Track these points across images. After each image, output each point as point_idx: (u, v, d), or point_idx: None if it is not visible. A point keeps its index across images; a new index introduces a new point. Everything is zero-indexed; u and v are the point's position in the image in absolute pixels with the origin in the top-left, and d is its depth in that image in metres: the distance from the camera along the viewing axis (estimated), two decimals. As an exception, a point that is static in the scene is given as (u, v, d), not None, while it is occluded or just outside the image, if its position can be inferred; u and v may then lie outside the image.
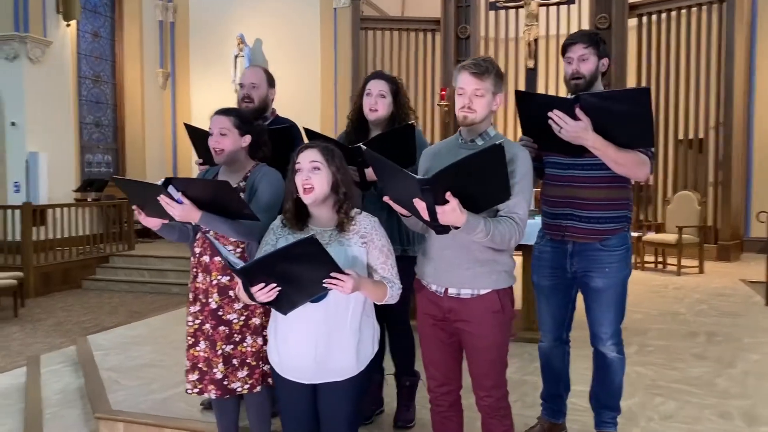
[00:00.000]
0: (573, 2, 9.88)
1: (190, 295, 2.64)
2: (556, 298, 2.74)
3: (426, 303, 2.36)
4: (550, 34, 10.12)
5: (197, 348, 2.58)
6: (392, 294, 2.21)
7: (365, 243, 2.22)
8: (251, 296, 2.01)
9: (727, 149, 8.86)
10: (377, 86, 2.91)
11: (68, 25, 10.41)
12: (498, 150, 1.92)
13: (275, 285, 1.98)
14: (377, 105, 2.89)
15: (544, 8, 10.05)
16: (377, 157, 2.07)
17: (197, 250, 2.61)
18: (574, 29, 9.85)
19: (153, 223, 2.46)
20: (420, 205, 2.00)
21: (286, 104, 12.08)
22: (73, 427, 3.34)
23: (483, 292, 2.25)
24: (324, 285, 2.01)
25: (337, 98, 11.24)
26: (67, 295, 8.69)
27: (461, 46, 10.37)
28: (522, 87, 10.26)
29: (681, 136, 9.43)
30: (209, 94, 12.17)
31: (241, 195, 2.57)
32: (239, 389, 2.57)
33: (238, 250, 2.56)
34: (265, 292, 1.98)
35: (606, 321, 2.66)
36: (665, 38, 9.57)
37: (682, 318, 5.33)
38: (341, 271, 2.00)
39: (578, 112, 2.34)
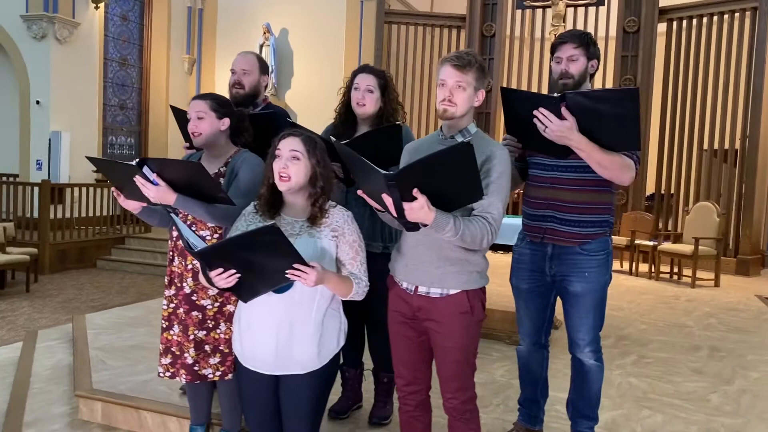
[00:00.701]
0: (602, 3, 9.72)
1: (166, 279, 2.63)
2: (535, 302, 2.68)
3: (396, 300, 2.32)
4: (577, 36, 9.94)
5: (171, 332, 2.57)
6: (357, 291, 2.18)
7: (336, 237, 2.18)
8: (210, 281, 1.99)
9: (751, 161, 8.63)
10: (365, 81, 2.86)
11: (97, 8, 10.54)
12: (466, 148, 1.87)
13: (234, 271, 1.96)
14: (365, 100, 2.85)
15: (572, 9, 9.90)
16: (347, 150, 2.03)
17: (175, 233, 2.60)
18: (602, 31, 9.70)
19: (133, 205, 2.44)
20: (387, 200, 1.97)
21: (308, 96, 12.14)
22: (55, 402, 3.37)
23: (452, 292, 2.20)
24: (287, 276, 1.98)
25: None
26: (80, 274, 8.82)
27: (486, 44, 10.25)
28: (545, 88, 10.12)
29: (706, 146, 9.21)
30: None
31: (221, 180, 2.56)
32: (210, 375, 2.56)
33: (216, 235, 2.54)
34: (224, 278, 1.96)
35: (584, 327, 2.59)
36: (695, 44, 9.35)
37: (687, 331, 5.20)
38: (305, 263, 1.97)
39: (564, 111, 2.27)
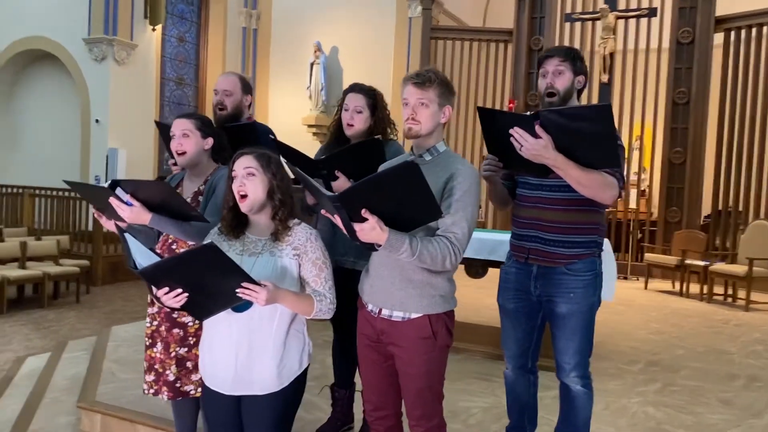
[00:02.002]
0: (655, 14, 9.41)
1: (149, 297, 2.67)
2: (521, 322, 2.58)
3: (363, 322, 2.27)
4: (628, 48, 9.67)
5: (154, 349, 2.60)
6: (320, 308, 2.14)
7: (297, 255, 2.16)
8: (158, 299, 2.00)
9: (815, 178, 8.12)
10: (353, 101, 2.85)
11: (154, 30, 10.98)
12: (411, 168, 1.82)
13: (181, 291, 1.96)
14: (353, 120, 2.84)
15: (622, 21, 9.62)
16: (296, 170, 2.02)
17: (158, 251, 2.64)
18: (654, 43, 9.38)
19: (114, 226, 2.50)
20: (337, 221, 1.94)
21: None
22: (63, 413, 3.47)
23: (414, 316, 2.13)
24: (237, 295, 1.97)
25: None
26: (131, 286, 9.13)
27: (533, 57, 10.07)
28: (595, 102, 9.86)
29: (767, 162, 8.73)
30: (285, 99, 12.49)
31: (199, 198, 2.59)
32: (192, 392, 2.57)
33: None
34: (170, 297, 1.96)
35: (569, 350, 2.47)
36: (754, 55, 8.90)
37: (727, 358, 4.90)
38: (253, 281, 1.95)
39: (538, 129, 2.18)
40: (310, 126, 11.96)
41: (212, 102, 3.16)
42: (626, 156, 8.79)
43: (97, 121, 10.40)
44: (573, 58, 2.45)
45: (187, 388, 2.53)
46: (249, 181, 2.13)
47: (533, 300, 2.52)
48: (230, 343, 2.14)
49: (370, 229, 1.89)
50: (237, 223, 2.21)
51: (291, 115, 12.24)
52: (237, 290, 1.95)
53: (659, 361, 4.68)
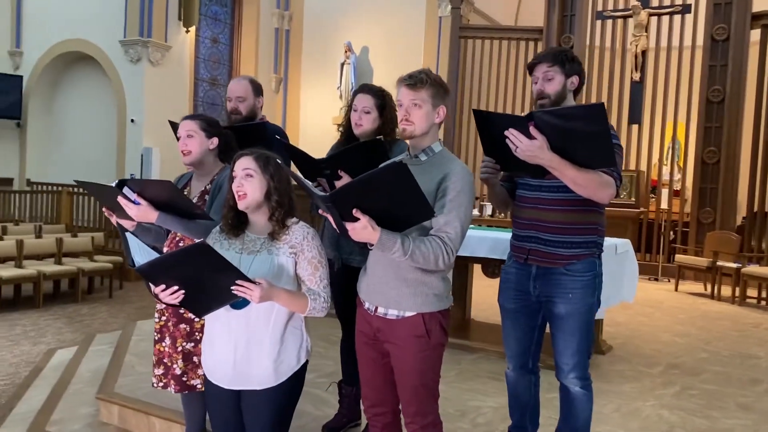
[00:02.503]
0: (689, 11, 9.23)
1: (156, 293, 2.75)
2: (521, 323, 2.58)
3: (360, 320, 2.31)
4: (661, 46, 9.49)
5: (162, 344, 2.68)
6: (314, 306, 2.18)
7: (294, 253, 2.21)
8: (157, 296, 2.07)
9: None
10: (362, 102, 2.89)
11: (187, 31, 11.21)
12: (400, 168, 1.85)
13: (177, 288, 2.02)
14: (361, 120, 2.88)
15: (655, 18, 9.45)
16: (290, 170, 2.07)
17: (165, 249, 2.72)
18: (688, 40, 9.20)
19: (125, 224, 2.58)
20: (331, 220, 1.98)
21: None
22: (84, 404, 3.59)
23: (408, 314, 2.16)
24: (233, 292, 2.03)
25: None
26: (163, 282, 9.34)
27: (564, 56, 9.95)
28: (626, 100, 9.72)
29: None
30: (317, 99, 12.60)
31: (206, 197, 2.66)
32: (199, 386, 2.64)
33: None
34: (167, 294, 2.03)
35: (567, 351, 2.47)
36: (793, 51, 8.66)
37: (753, 362, 4.79)
38: (247, 279, 2.01)
39: (532, 130, 2.19)
40: (340, 125, 12.02)
41: (227, 108, 3.25)
42: (626, 154, 8.68)
43: (132, 120, 10.67)
44: (562, 61, 2.44)
45: (193, 382, 2.61)
46: (247, 181, 2.18)
47: (533, 300, 2.53)
48: (229, 338, 2.20)
49: (362, 228, 1.93)
50: (237, 222, 2.26)
51: (322, 114, 12.36)
52: (232, 287, 2.01)
53: (680, 364, 4.61)
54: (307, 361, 2.32)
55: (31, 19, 11.84)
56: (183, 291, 2.03)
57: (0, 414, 3.88)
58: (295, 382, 2.29)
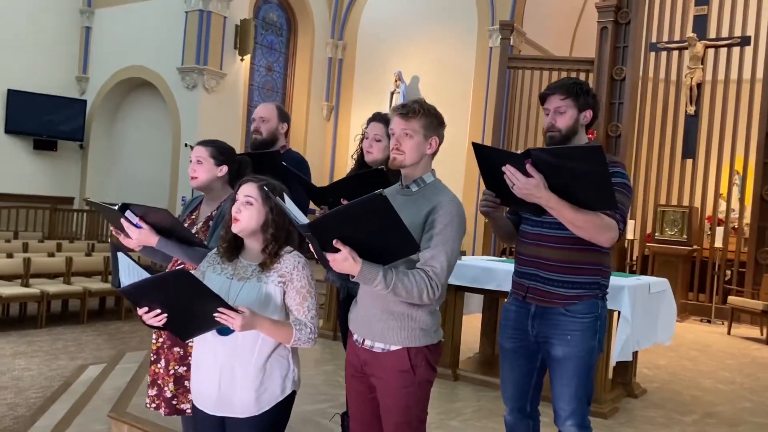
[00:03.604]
0: (748, 43, 8.92)
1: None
2: (519, 363, 2.47)
3: (349, 351, 2.28)
4: (718, 79, 9.17)
5: (158, 365, 2.70)
6: (299, 337, 2.15)
7: (283, 282, 2.19)
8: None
9: None
10: (373, 130, 2.89)
11: (242, 60, 11.54)
12: (378, 199, 1.82)
13: (160, 312, 2.03)
14: (372, 148, 2.89)
15: (712, 50, 9.16)
16: (273, 197, 2.07)
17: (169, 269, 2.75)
18: (747, 74, 8.87)
19: (133, 244, 2.64)
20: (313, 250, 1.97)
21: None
22: (98, 421, 3.65)
23: (393, 348, 2.12)
24: (216, 319, 2.03)
25: (484, 138, 11.13)
26: (206, 303, 9.51)
27: (615, 87, 9.76)
28: (680, 134, 9.42)
29: None
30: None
31: (210, 223, 2.69)
32: (188, 411, 2.63)
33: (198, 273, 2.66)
34: (150, 317, 2.04)
35: (564, 396, 2.35)
36: None
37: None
38: (229, 307, 2.00)
39: (529, 168, 2.12)
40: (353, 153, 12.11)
41: (251, 128, 3.31)
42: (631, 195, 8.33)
43: (186, 144, 11.00)
44: (576, 93, 2.36)
45: (183, 406, 2.60)
46: (245, 208, 2.19)
47: (531, 340, 2.42)
48: (215, 364, 2.19)
49: (343, 259, 1.90)
50: (234, 246, 2.27)
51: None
52: (214, 315, 2.01)
53: (718, 413, 4.34)
54: (294, 392, 2.29)
55: (97, 46, 12.45)
56: (166, 314, 2.04)
57: (23, 426, 3.99)
58: (280, 412, 2.25)
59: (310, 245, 2.02)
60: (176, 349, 2.63)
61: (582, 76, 10.21)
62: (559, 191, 2.12)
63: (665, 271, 8.73)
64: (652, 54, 9.68)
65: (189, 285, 1.94)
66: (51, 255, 8.23)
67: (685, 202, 9.23)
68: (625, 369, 4.62)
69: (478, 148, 2.24)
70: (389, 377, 2.12)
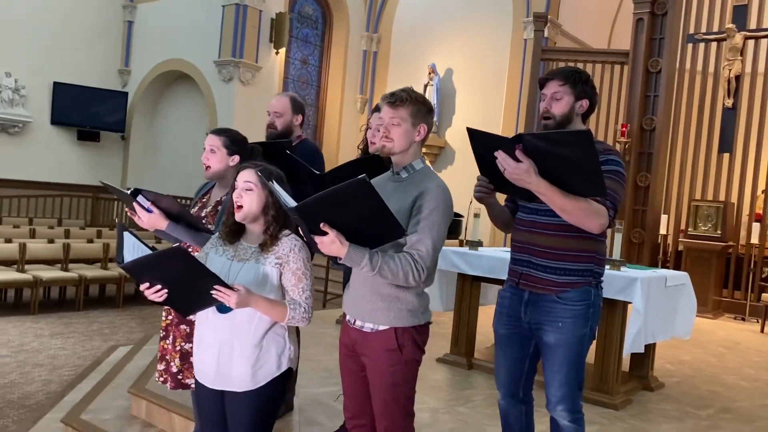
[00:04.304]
0: (790, 34, 8.64)
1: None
2: (512, 349, 2.52)
3: (342, 331, 2.36)
4: (757, 71, 8.93)
5: (167, 341, 2.84)
6: (293, 316, 2.23)
7: (279, 264, 2.29)
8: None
9: None
10: (376, 120, 2.96)
11: (277, 53, 11.71)
12: (362, 183, 1.89)
13: (160, 287, 2.15)
14: (374, 138, 2.96)
15: (752, 41, 8.92)
16: (267, 182, 2.15)
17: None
18: (788, 65, 8.61)
19: (145, 225, 2.77)
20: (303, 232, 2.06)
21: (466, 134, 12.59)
22: (121, 397, 3.83)
23: (381, 327, 2.19)
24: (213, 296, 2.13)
25: (517, 131, 11.07)
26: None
27: (651, 80, 9.56)
28: (717, 128, 9.21)
29: None
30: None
31: (219, 207, 2.80)
32: (193, 386, 2.75)
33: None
34: (151, 293, 2.16)
35: (555, 382, 2.39)
36: None
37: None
38: (225, 284, 2.10)
39: (518, 153, 2.16)
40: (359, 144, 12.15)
41: (267, 122, 3.41)
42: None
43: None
44: (574, 81, 2.38)
45: (188, 381, 2.73)
46: (246, 194, 2.29)
47: (524, 327, 2.46)
48: (214, 340, 2.30)
49: (330, 242, 1.98)
50: (236, 230, 2.38)
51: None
52: (211, 292, 2.11)
53: (736, 409, 4.29)
54: (290, 369, 2.38)
55: (139, 40, 12.79)
56: (166, 290, 2.15)
57: (53, 400, 4.20)
58: (276, 387, 2.35)
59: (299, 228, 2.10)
60: (183, 326, 2.75)
61: (617, 69, 10.07)
62: (550, 177, 2.15)
63: (698, 267, 8.58)
64: (689, 46, 9.47)
65: (185, 262, 2.05)
66: (90, 241, 8.54)
67: (721, 198, 9.03)
68: (642, 362, 4.60)
69: (472, 133, 2.29)
70: (377, 356, 2.19)
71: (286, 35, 11.57)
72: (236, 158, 2.80)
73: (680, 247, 9.16)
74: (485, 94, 11.72)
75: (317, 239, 1.99)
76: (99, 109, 12.41)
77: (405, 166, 2.25)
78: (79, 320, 7.05)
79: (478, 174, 2.44)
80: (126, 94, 12.74)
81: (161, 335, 2.87)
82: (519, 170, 2.14)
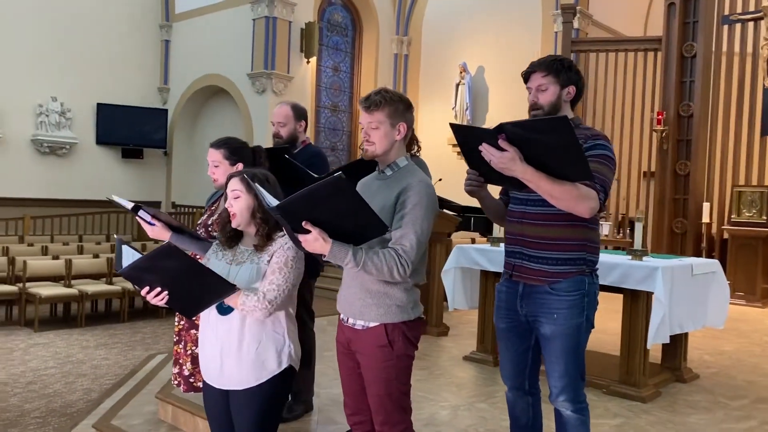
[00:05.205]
0: (831, 8, 8.30)
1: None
2: (513, 342, 2.51)
3: (338, 330, 2.40)
4: (798, 48, 8.60)
5: (179, 346, 2.94)
6: (244, 301, 2.23)
7: (269, 261, 2.35)
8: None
9: None
10: None
11: (308, 62, 11.88)
12: (339, 181, 1.93)
13: (160, 290, 2.23)
14: None
15: (790, 18, 8.60)
16: (252, 184, 2.22)
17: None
18: (830, 40, 8.27)
19: (151, 236, 2.88)
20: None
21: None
22: (150, 403, 3.96)
23: (372, 324, 2.22)
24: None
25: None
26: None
27: (686, 65, 9.33)
28: (758, 109, 8.90)
29: None
30: (432, 120, 12.77)
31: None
32: (203, 389, 2.86)
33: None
34: (152, 296, 2.24)
35: (555, 373, 2.37)
36: None
37: None
38: (221, 279, 2.18)
39: (501, 142, 2.16)
40: (454, 145, 12.12)
41: (273, 132, 3.51)
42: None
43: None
44: (557, 70, 2.38)
45: (199, 384, 2.82)
46: (235, 202, 2.37)
47: (522, 320, 2.46)
48: (216, 341, 2.37)
49: (313, 240, 2.02)
50: (233, 236, 2.45)
51: (437, 135, 12.47)
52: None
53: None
54: (291, 367, 2.43)
55: (176, 58, 13.17)
56: (167, 293, 2.23)
57: (90, 407, 4.38)
58: (278, 385, 2.40)
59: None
60: (193, 331, 2.85)
61: (650, 56, 9.85)
62: (536, 164, 2.15)
63: (744, 255, 8.31)
64: (725, 27, 9.19)
65: (178, 259, 2.13)
66: (133, 255, 8.82)
67: (766, 182, 8.72)
68: (674, 353, 4.50)
69: (455, 129, 2.30)
70: (370, 352, 2.23)
71: (315, 44, 11.73)
72: (239, 166, 2.88)
73: (725, 235, 8.88)
74: (518, 89, 11.48)
75: (301, 237, 2.04)
76: (141, 127, 12.83)
77: (389, 164, 2.28)
78: (124, 331, 7.30)
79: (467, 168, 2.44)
80: (166, 111, 13.13)
81: (174, 340, 2.98)
82: (504, 159, 2.14)
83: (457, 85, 12.32)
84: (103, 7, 12.39)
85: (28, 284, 7.45)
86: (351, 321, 2.28)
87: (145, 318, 7.98)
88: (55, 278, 7.86)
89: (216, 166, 2.86)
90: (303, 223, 2.01)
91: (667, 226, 9.22)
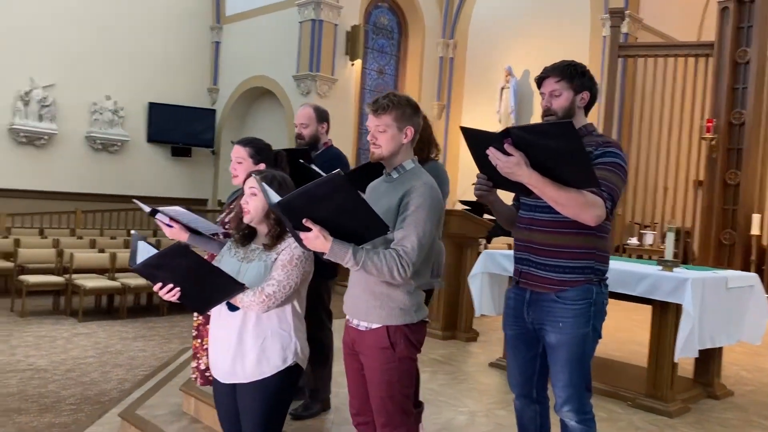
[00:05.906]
0: None
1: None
2: (521, 350, 2.49)
3: (345, 331, 2.42)
4: None
5: (198, 340, 3.01)
6: (242, 298, 2.27)
7: (277, 259, 2.39)
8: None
9: None
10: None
11: (353, 65, 11.97)
12: (338, 179, 1.95)
13: (172, 286, 2.29)
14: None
15: None
16: (259, 182, 2.26)
17: (205, 255, 3.05)
18: None
19: (170, 236, 2.97)
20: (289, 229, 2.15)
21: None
22: (175, 395, 4.05)
23: (374, 326, 2.24)
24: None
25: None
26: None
27: (739, 71, 9.03)
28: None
29: None
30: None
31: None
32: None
33: None
34: (164, 292, 2.31)
35: (560, 383, 2.34)
36: None
37: None
38: (230, 278, 2.23)
39: (507, 147, 2.15)
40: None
41: (295, 133, 3.56)
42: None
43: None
44: (571, 75, 2.35)
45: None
46: (251, 199, 2.42)
47: (529, 327, 2.43)
48: (225, 336, 2.43)
49: (314, 237, 2.05)
50: (247, 233, 2.51)
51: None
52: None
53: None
54: (296, 365, 2.46)
55: (225, 59, 13.46)
56: (179, 289, 2.29)
57: (121, 396, 4.52)
58: (283, 381, 2.43)
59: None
60: (208, 326, 2.91)
61: (701, 62, 9.56)
62: (542, 170, 2.12)
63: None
64: (781, 32, 8.85)
65: (188, 258, 2.18)
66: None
67: (822, 193, 8.37)
68: (707, 368, 4.36)
69: (465, 132, 2.29)
70: (372, 354, 2.24)
71: (361, 47, 11.81)
72: (262, 166, 2.93)
73: (777, 248, 8.55)
74: (563, 94, 11.43)
75: (302, 235, 2.07)
76: (190, 126, 13.16)
77: (396, 167, 2.29)
78: (162, 324, 7.50)
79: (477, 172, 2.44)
80: (214, 111, 13.43)
81: (193, 334, 3.05)
82: (509, 163, 2.12)
83: (502, 89, 12.21)
84: (157, 10, 12.77)
85: (74, 276, 7.73)
86: (355, 322, 2.30)
87: (183, 312, 8.17)
88: (100, 271, 8.13)
89: (239, 163, 2.92)
90: (304, 221, 2.04)
91: (715, 238, 8.94)
